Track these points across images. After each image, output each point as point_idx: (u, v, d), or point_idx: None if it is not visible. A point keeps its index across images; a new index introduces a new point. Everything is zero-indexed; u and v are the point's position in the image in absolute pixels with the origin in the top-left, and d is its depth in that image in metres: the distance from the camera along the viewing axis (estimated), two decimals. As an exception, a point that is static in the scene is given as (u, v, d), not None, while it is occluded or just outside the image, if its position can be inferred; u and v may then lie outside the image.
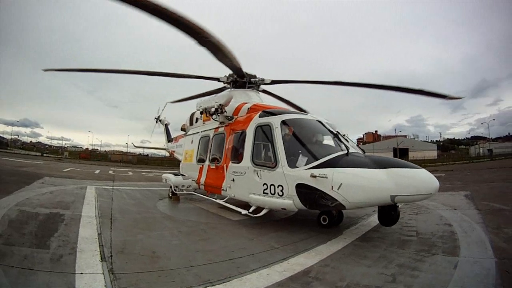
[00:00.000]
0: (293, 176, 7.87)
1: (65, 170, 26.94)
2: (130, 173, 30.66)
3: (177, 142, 19.83)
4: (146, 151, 78.46)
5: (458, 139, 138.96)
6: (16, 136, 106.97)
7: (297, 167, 7.85)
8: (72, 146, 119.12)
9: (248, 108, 11.09)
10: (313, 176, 7.36)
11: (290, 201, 7.97)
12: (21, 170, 21.76)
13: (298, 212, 10.34)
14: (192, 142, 14.59)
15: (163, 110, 23.91)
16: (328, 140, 8.90)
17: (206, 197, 12.73)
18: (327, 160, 7.50)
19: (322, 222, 8.38)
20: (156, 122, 24.60)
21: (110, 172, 29.99)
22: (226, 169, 10.53)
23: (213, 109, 11.12)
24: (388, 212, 7.07)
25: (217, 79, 13.21)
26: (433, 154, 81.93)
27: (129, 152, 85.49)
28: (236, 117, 11.20)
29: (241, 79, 12.85)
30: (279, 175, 8.18)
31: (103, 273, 4.84)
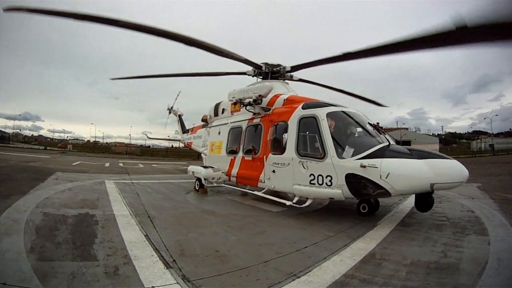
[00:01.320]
0: (342, 166, 7.95)
1: (74, 164, 25.71)
2: (141, 165, 29.51)
3: (195, 134, 19.23)
4: (148, 142, 77.43)
5: (460, 133, 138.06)
6: (18, 130, 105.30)
7: (346, 158, 7.98)
8: (74, 139, 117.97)
9: (284, 100, 10.99)
10: (362, 166, 7.58)
11: (339, 191, 8.00)
12: (29, 166, 20.52)
13: (330, 202, 10.43)
14: (219, 133, 14.04)
15: (176, 99, 22.81)
16: (369, 132, 8.90)
17: (240, 189, 12.41)
18: (374, 151, 7.81)
19: (361, 210, 8.69)
20: (170, 112, 23.53)
21: (120, 164, 28.85)
22: (265, 161, 10.28)
23: (249, 100, 11.02)
24: (425, 199, 7.53)
25: (244, 73, 13.37)
26: (435, 147, 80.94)
27: (132, 144, 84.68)
28: (272, 108, 10.99)
29: (265, 71, 12.83)
30: (328, 166, 8.21)
31: (177, 283, 4.15)
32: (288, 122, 9.69)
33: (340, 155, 8.10)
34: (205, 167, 13.28)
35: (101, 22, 9.03)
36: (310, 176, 8.60)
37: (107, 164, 27.52)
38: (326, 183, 8.25)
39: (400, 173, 7.19)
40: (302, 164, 8.85)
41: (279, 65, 12.60)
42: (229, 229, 7.20)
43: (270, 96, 11.25)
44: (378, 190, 7.47)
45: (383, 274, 4.58)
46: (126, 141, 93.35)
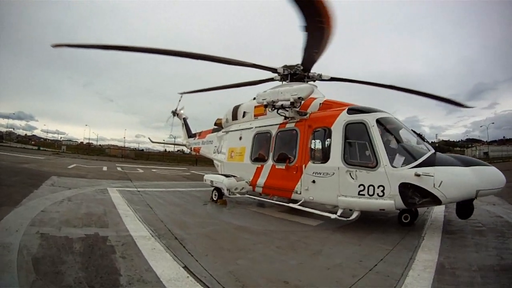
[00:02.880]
0: (396, 175, 7.47)
1: (70, 167, 23.55)
2: (140, 170, 27.32)
3: (204, 138, 17.65)
4: (142, 146, 75.55)
5: (453, 141, 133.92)
6: (11, 129, 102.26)
7: (399, 166, 7.56)
8: (68, 140, 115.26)
9: (320, 104, 10.20)
10: (417, 174, 7.22)
11: (391, 201, 7.48)
12: (22, 167, 18.57)
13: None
14: (240, 138, 12.56)
15: (179, 101, 21.14)
16: (414, 139, 8.61)
17: (266, 200, 10.94)
18: (425, 159, 7.52)
19: (403, 220, 8.26)
20: (174, 116, 21.88)
21: (119, 169, 26.62)
22: (303, 170, 9.26)
23: (285, 103, 9.76)
24: (468, 206, 7.37)
25: (274, 70, 11.65)
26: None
27: (125, 147, 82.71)
28: (309, 112, 9.99)
29: (301, 72, 11.36)
30: (381, 175, 7.63)
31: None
32: (332, 128, 8.81)
33: (392, 164, 7.61)
34: (226, 176, 11.69)
35: (132, 51, 10.50)
36: (359, 186, 7.87)
37: (104, 168, 25.42)
38: (377, 194, 7.63)
39: (451, 181, 7.00)
40: (350, 173, 8.06)
41: (295, 66, 11.25)
42: (281, 250, 6.05)
43: None
44: (430, 199, 7.20)
45: (464, 283, 4.54)
46: (120, 143, 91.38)
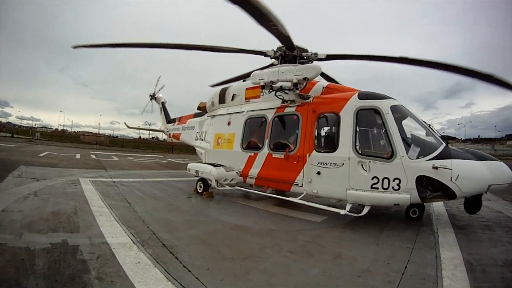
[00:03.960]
0: (414, 167, 6.87)
1: (41, 155, 21.54)
2: (116, 158, 25.37)
3: (184, 124, 16.12)
4: (116, 133, 73.00)
5: None
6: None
7: (416, 158, 6.97)
8: (42, 127, 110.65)
9: (323, 87, 9.16)
10: (435, 167, 6.74)
11: (406, 196, 6.89)
12: (-11, 157, 16.59)
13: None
14: (229, 124, 11.23)
15: (157, 85, 19.69)
16: (427, 129, 7.88)
17: (261, 192, 9.86)
18: (441, 151, 7.06)
19: (411, 214, 7.93)
20: (151, 99, 20.38)
21: (93, 156, 24.68)
22: (306, 160, 8.27)
23: (286, 84, 8.75)
24: (477, 201, 7.20)
25: (263, 53, 10.30)
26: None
27: (100, 134, 79.88)
28: (312, 96, 8.92)
29: (291, 53, 9.97)
30: (397, 167, 6.95)
31: None
32: (341, 114, 7.88)
33: (411, 155, 6.98)
34: (214, 165, 10.43)
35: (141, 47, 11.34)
36: (372, 179, 7.12)
37: (78, 156, 23.48)
38: (392, 187, 6.96)
39: (468, 175, 6.67)
40: (362, 164, 7.25)
41: (310, 52, 10.00)
42: (294, 256, 5.16)
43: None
44: (445, 193, 6.84)
45: (497, 278, 4.46)
46: (95, 130, 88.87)
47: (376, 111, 7.47)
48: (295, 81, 8.34)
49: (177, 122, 17.43)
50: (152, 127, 25.42)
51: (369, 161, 7.19)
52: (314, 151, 8.18)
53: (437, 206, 9.67)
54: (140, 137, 74.03)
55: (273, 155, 9.26)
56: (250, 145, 10.24)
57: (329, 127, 8.34)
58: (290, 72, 8.48)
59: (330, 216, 7.84)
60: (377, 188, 7.07)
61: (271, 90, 9.04)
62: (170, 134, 18.43)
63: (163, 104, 19.91)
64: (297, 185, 8.44)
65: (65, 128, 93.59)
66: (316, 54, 9.83)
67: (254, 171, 9.77)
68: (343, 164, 7.48)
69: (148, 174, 15.73)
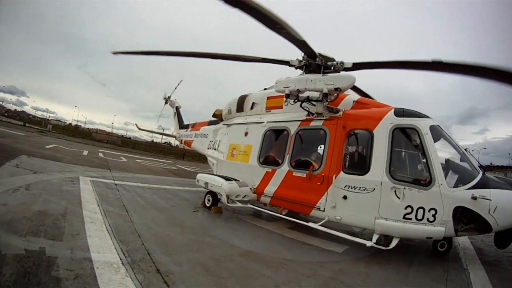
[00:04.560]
0: (452, 197, 6.08)
1: (47, 147, 20.79)
2: (124, 159, 24.49)
3: (197, 131, 15.24)
4: (129, 134, 72.71)
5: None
6: (1, 102, 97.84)
7: (454, 187, 6.19)
8: (56, 120, 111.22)
9: (354, 102, 8.23)
10: (473, 197, 5.97)
11: (441, 228, 6.05)
12: (-6, 141, 15.84)
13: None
14: (246, 134, 10.10)
15: (176, 88, 19.00)
16: (464, 154, 7.04)
17: (277, 214, 8.50)
18: (480, 180, 6.30)
19: (439, 248, 6.92)
20: (166, 103, 19.71)
21: (100, 155, 23.81)
22: (332, 181, 7.20)
23: (314, 94, 7.81)
24: (508, 235, 6.46)
25: (287, 63, 9.27)
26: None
27: (113, 133, 79.70)
28: (342, 110, 7.88)
29: (313, 61, 8.88)
30: (434, 196, 6.11)
31: None
32: (374, 132, 6.96)
33: (448, 183, 6.19)
34: (226, 179, 9.25)
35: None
36: (406, 208, 6.21)
37: (85, 152, 22.65)
38: (427, 219, 6.10)
39: (506, 207, 5.95)
40: (396, 191, 6.33)
41: (335, 60, 8.93)
42: None
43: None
44: (480, 226, 6.07)
45: None
46: (108, 129, 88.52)
47: (414, 131, 6.62)
48: (325, 91, 7.29)
49: (190, 129, 16.60)
50: (166, 132, 24.62)
51: (404, 188, 6.27)
52: (341, 172, 7.17)
53: (461, 239, 8.60)
54: (153, 141, 73.39)
55: (294, 173, 8.17)
56: (268, 160, 9.15)
57: (360, 146, 7.36)
58: (320, 81, 7.48)
59: (351, 245, 6.85)
60: (410, 219, 6.19)
61: (296, 100, 8.05)
62: (182, 140, 17.62)
63: (177, 108, 19.21)
64: (319, 209, 7.38)
65: (78, 123, 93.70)
66: (342, 63, 8.82)
67: (271, 189, 8.65)
68: (374, 189, 6.52)
69: (155, 180, 14.70)
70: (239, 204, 8.88)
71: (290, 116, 8.86)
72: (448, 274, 5.83)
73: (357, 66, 8.77)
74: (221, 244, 6.07)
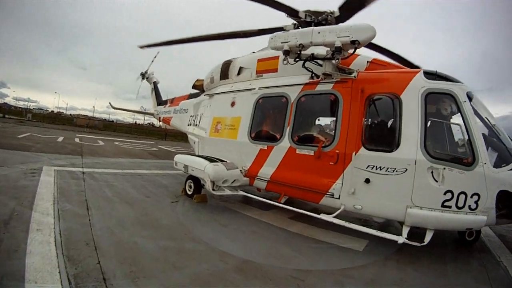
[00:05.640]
0: (497, 179, 4.86)
1: (21, 136, 18.95)
2: (101, 143, 22.51)
3: (176, 106, 13.45)
4: (112, 117, 70.00)
5: None
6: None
7: (498, 167, 4.97)
8: (38, 108, 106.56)
9: (368, 62, 6.54)
10: None
11: (483, 218, 4.89)
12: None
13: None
14: (233, 104, 8.33)
15: (152, 61, 17.18)
16: (496, 129, 5.59)
17: (275, 202, 6.72)
18: None
19: (467, 237, 6.02)
20: (143, 78, 17.86)
21: (76, 140, 21.86)
22: (350, 159, 5.62)
23: (320, 52, 6.18)
24: None
25: (281, 29, 7.87)
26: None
27: (95, 117, 76.70)
28: (356, 70, 6.11)
29: (304, 20, 7.59)
30: (478, 178, 4.85)
31: None
32: (402, 97, 5.38)
33: (495, 162, 5.10)
34: (210, 160, 7.56)
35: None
36: (445, 193, 4.90)
37: (60, 139, 20.60)
38: (469, 206, 4.88)
39: None
40: (433, 172, 4.95)
41: (324, 12, 7.42)
42: None
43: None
44: None
45: None
46: (90, 114, 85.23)
47: (451, 98, 5.26)
48: (338, 44, 5.49)
49: (168, 104, 14.84)
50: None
51: (443, 168, 4.91)
52: (362, 148, 5.57)
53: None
54: (136, 123, 70.82)
55: (297, 151, 6.48)
56: (262, 135, 7.46)
57: (385, 115, 5.76)
58: (330, 33, 5.65)
59: (369, 238, 5.63)
60: (450, 207, 4.91)
61: (297, 59, 6.27)
62: (160, 118, 15.93)
63: (155, 84, 17.44)
64: (332, 196, 5.81)
65: (60, 110, 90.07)
66: (332, 13, 7.26)
67: (267, 171, 7.02)
68: (406, 170, 5.07)
69: (131, 164, 13.08)
70: (228, 192, 7.26)
71: (289, 80, 7.11)
72: (487, 270, 4.97)
73: (347, 10, 7.14)
74: (208, 253, 4.57)
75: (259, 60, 8.15)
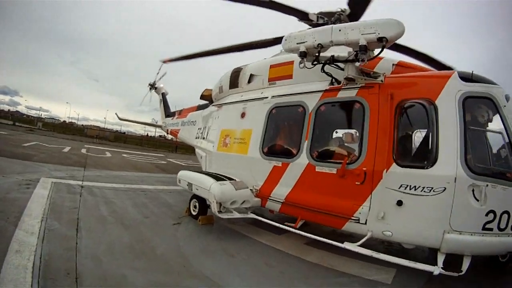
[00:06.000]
0: None
1: (26, 144, 18.55)
2: (108, 154, 22.05)
3: (184, 118, 12.92)
4: (124, 129, 70.25)
5: None
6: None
7: None
8: (50, 118, 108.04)
9: (393, 65, 5.82)
10: None
11: None
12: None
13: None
14: (243, 116, 7.50)
15: (158, 73, 16.90)
16: None
17: (290, 228, 5.78)
18: None
19: (500, 258, 4.97)
20: (150, 89, 17.55)
21: (83, 151, 21.31)
22: (380, 178, 4.75)
23: (341, 54, 5.39)
24: None
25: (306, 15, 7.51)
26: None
27: (107, 128, 77.02)
28: (383, 74, 5.25)
29: (316, 22, 7.28)
30: None
31: None
32: (437, 103, 4.61)
33: None
34: (216, 178, 6.69)
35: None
36: (487, 214, 4.20)
37: (66, 149, 20.25)
38: (511, 227, 4.25)
39: None
40: (474, 190, 4.20)
41: (336, 12, 7.01)
42: None
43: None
44: None
45: None
46: (102, 125, 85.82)
47: (490, 102, 4.60)
48: (363, 42, 4.74)
49: (176, 116, 14.28)
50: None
51: (486, 185, 4.19)
52: (394, 164, 4.75)
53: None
54: (147, 135, 70.94)
55: (317, 168, 5.62)
56: (276, 150, 6.63)
57: (418, 124, 5.05)
58: (353, 30, 4.89)
59: (398, 267, 4.76)
60: (491, 229, 4.22)
61: (315, 62, 5.53)
62: (168, 130, 15.43)
63: (163, 95, 17.07)
64: (357, 221, 4.97)
65: (72, 120, 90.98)
66: (343, 11, 6.79)
67: (281, 191, 6.15)
68: (445, 189, 4.27)
69: (135, 178, 12.42)
70: (236, 215, 6.34)
71: (306, 87, 6.31)
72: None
73: (357, 6, 6.74)
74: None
75: (271, 66, 7.42)
